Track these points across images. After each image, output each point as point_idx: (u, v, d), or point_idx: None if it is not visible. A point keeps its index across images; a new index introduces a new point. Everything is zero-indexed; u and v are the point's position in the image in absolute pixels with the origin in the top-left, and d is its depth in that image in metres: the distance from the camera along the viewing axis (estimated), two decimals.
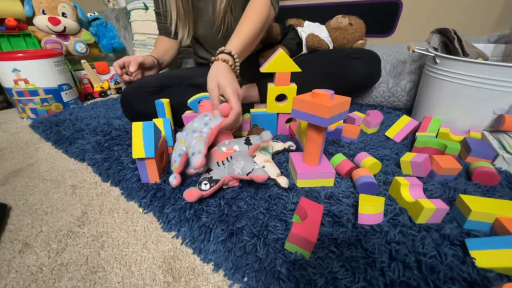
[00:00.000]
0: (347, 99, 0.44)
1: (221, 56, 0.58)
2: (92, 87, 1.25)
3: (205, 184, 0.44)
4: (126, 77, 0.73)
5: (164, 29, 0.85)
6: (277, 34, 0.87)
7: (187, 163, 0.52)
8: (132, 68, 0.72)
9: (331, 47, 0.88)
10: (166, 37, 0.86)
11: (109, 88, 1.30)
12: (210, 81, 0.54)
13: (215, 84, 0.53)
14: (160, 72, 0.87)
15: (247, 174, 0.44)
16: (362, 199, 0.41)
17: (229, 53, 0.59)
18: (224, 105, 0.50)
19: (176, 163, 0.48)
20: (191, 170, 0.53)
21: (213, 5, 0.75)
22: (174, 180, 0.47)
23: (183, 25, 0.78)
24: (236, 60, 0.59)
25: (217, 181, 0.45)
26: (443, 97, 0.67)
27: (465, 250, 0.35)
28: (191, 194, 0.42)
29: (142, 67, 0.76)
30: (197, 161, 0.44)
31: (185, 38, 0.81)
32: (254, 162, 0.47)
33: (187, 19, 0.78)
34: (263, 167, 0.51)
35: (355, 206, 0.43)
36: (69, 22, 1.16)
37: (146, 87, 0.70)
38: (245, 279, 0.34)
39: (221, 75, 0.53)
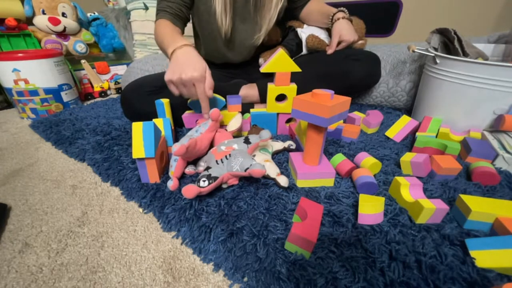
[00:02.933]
0: (347, 99, 0.44)
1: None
2: (92, 87, 1.25)
3: (204, 181, 0.44)
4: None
5: (174, 9, 0.68)
6: (277, 37, 0.87)
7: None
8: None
9: None
10: (170, 22, 0.67)
11: (109, 88, 1.31)
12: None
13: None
14: (160, 72, 0.87)
15: (245, 170, 0.44)
16: (362, 199, 0.40)
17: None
18: (214, 111, 0.56)
19: (172, 168, 0.51)
20: (190, 170, 0.53)
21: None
22: (171, 183, 0.48)
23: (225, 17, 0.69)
24: None
25: (215, 178, 0.45)
26: (443, 97, 0.67)
27: (465, 250, 0.35)
28: (189, 191, 0.42)
29: None
30: (175, 147, 0.46)
31: (228, 32, 0.72)
32: (253, 159, 0.47)
33: (227, 12, 0.69)
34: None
35: (355, 206, 0.43)
36: (69, 22, 1.16)
37: (146, 87, 0.70)
38: (245, 279, 0.34)
39: None
